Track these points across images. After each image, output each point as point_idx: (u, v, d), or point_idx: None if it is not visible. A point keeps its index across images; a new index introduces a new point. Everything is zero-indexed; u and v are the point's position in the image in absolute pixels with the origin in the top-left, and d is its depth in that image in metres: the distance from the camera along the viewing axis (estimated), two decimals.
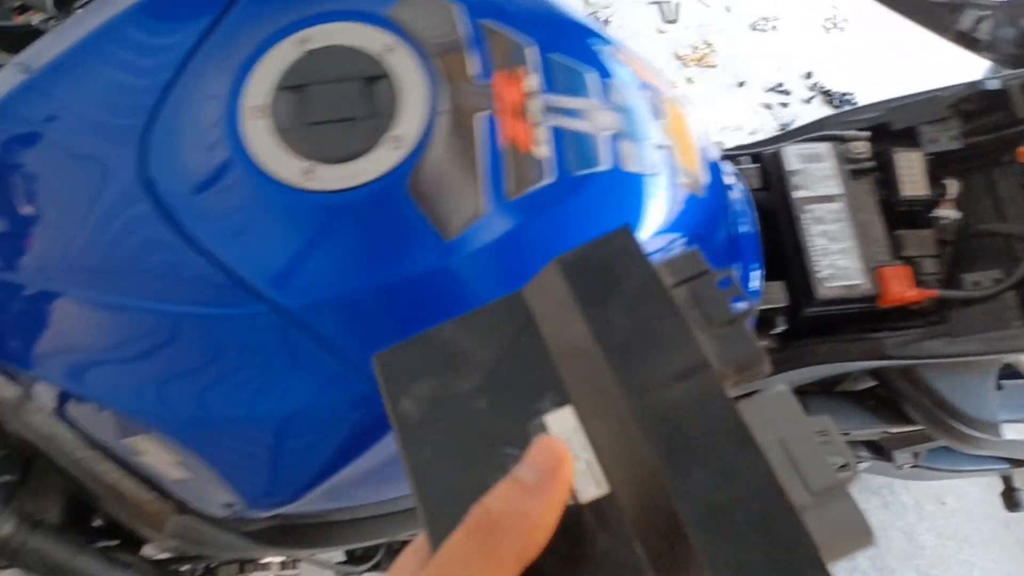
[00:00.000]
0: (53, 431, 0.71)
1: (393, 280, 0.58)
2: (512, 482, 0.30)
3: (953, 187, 0.91)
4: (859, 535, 0.29)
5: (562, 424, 0.33)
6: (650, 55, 2.38)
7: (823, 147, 0.92)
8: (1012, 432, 1.11)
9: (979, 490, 1.73)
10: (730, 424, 0.29)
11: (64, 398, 0.68)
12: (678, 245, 0.70)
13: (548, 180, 0.62)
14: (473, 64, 0.63)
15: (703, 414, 0.29)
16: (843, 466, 0.29)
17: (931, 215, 0.91)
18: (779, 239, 0.91)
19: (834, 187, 0.90)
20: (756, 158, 0.96)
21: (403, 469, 0.33)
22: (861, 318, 0.90)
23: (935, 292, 0.86)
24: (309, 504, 0.70)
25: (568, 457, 0.30)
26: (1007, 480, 1.42)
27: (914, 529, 1.68)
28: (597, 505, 0.30)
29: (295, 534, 0.79)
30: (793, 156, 0.91)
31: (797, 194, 0.90)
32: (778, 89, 2.28)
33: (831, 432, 0.30)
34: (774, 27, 2.39)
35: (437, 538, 0.30)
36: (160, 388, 0.61)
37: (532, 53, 0.66)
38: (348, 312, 0.58)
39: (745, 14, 2.42)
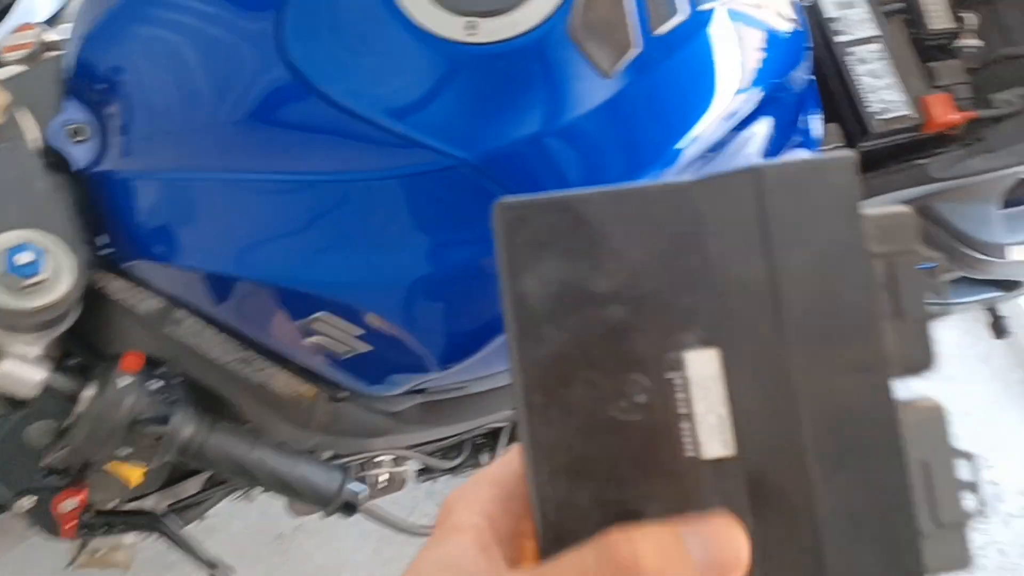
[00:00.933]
0: (199, 338, 0.72)
1: (566, 122, 0.61)
2: (675, 538, 0.26)
3: (972, 19, 0.99)
4: (961, 564, 0.29)
5: (704, 367, 0.29)
6: None
7: None
8: (1016, 253, 1.23)
9: (958, 331, 1.88)
10: (889, 434, 0.28)
11: (221, 296, 0.68)
12: (760, 93, 0.74)
13: (683, 15, 0.65)
14: None
15: (866, 415, 0.28)
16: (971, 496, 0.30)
17: (954, 46, 0.99)
18: (826, 85, 0.97)
19: (871, 29, 0.97)
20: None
21: (509, 360, 0.29)
22: (905, 149, 0.98)
23: (975, 113, 0.94)
24: (461, 372, 0.73)
25: (745, 562, 0.27)
26: (992, 310, 1.56)
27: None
28: (718, 465, 0.28)
29: (437, 410, 0.82)
30: (830, 4, 0.97)
31: (839, 39, 0.96)
32: None
33: (974, 463, 0.30)
34: None
35: (538, 464, 0.28)
36: (348, 258, 0.63)
37: None
38: (530, 158, 0.61)
39: None
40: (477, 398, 0.82)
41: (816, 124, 0.91)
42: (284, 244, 0.64)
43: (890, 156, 0.99)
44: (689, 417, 0.28)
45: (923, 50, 0.99)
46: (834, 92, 0.96)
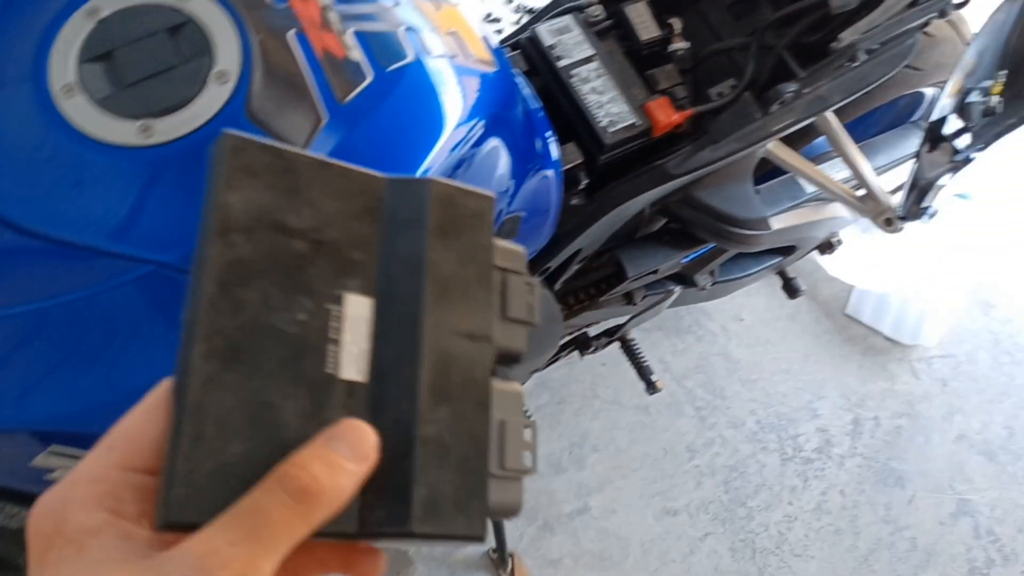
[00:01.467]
0: None
1: None
2: (330, 450, 0.32)
3: (677, 24, 1.07)
4: (515, 508, 0.37)
5: (358, 308, 0.36)
6: None
7: (567, 19, 1.04)
8: (777, 222, 1.33)
9: (764, 299, 2.00)
10: (482, 391, 0.36)
11: None
12: (482, 124, 0.77)
13: (369, 79, 0.67)
14: None
15: (469, 373, 0.36)
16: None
17: (668, 51, 1.06)
18: (559, 109, 1.02)
19: (587, 49, 1.02)
20: (515, 47, 1.06)
21: (197, 254, 0.34)
22: (644, 153, 1.04)
23: (691, 111, 1.02)
24: None
25: (375, 455, 0.33)
26: (782, 274, 1.67)
27: (726, 348, 1.93)
28: (350, 385, 0.35)
29: None
30: (546, 33, 1.02)
31: (561, 63, 1.01)
32: (488, 19, 2.42)
33: (534, 431, 0.38)
34: None
35: (199, 343, 0.32)
36: (63, 385, 0.60)
37: None
38: None
39: None
40: None
41: (553, 145, 0.95)
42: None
43: (634, 161, 1.04)
44: (337, 343, 0.35)
45: (641, 60, 1.05)
46: (568, 113, 1.01)
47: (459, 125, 0.72)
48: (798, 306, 2.00)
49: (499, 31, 2.39)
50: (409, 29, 0.72)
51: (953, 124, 0.94)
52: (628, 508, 1.68)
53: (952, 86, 1.00)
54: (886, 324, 1.96)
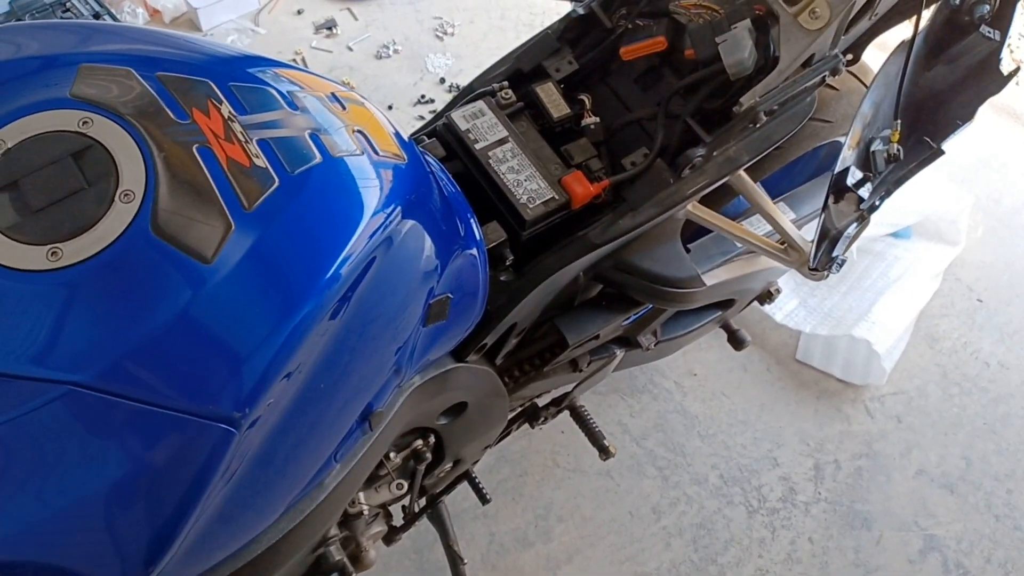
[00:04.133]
0: None
1: (172, 316, 0.62)
2: None
3: (587, 100, 1.12)
4: None
5: None
6: None
7: (480, 104, 1.08)
8: (711, 278, 1.36)
9: (715, 352, 2.03)
10: None
11: None
12: (399, 211, 0.80)
13: (276, 184, 0.69)
14: (167, 110, 0.69)
15: None
16: None
17: (581, 126, 1.10)
18: (479, 190, 1.05)
19: (501, 131, 1.06)
20: (432, 134, 1.10)
21: None
22: (567, 225, 1.07)
23: (606, 181, 1.05)
24: (182, 570, 0.71)
25: None
26: (726, 327, 1.70)
27: (682, 404, 1.94)
28: None
29: None
30: (460, 119, 1.06)
31: (478, 146, 1.04)
32: (422, 100, 2.48)
33: None
34: (396, 51, 2.60)
35: None
36: None
37: (213, 88, 0.73)
38: (144, 362, 0.61)
39: (364, 48, 2.61)
40: None
41: (474, 226, 0.98)
42: None
43: (558, 234, 1.07)
44: None
45: (555, 137, 1.10)
46: (488, 194, 1.04)
47: (375, 214, 0.74)
48: (748, 356, 2.03)
49: (433, 110, 2.45)
50: (314, 132, 0.75)
51: (855, 174, 0.98)
52: None
53: (852, 138, 1.05)
54: (836, 366, 2.00)
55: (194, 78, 0.73)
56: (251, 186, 0.68)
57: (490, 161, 1.04)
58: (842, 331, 1.95)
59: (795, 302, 2.04)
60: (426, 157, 0.98)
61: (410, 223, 0.82)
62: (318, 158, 0.73)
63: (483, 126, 1.06)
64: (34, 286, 0.61)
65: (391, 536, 1.38)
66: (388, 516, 1.36)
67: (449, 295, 0.94)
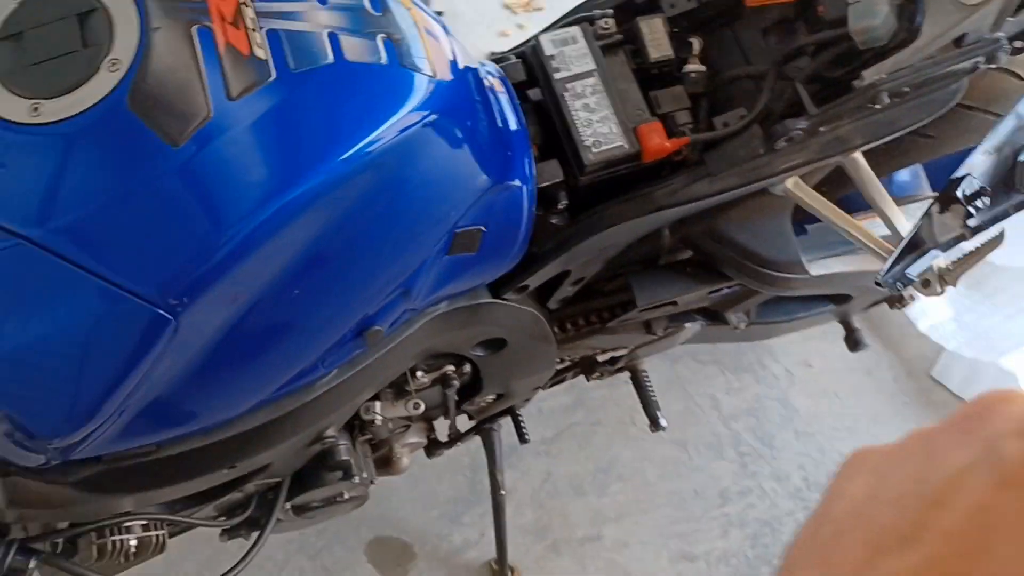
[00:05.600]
0: None
1: (128, 191, 0.62)
2: None
3: (696, 44, 1.00)
4: None
5: None
6: (480, 4, 2.45)
7: (574, 30, 0.99)
8: (818, 268, 1.22)
9: (841, 347, 1.85)
10: None
11: None
12: (423, 122, 0.75)
13: (271, 79, 0.67)
14: None
15: None
16: None
17: (681, 72, 0.99)
18: (551, 123, 0.97)
19: (588, 63, 0.97)
20: (519, 55, 1.03)
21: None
22: (635, 179, 0.98)
23: (687, 138, 0.95)
24: (121, 439, 0.74)
25: None
26: (846, 324, 1.54)
27: (787, 395, 1.80)
28: None
29: (125, 477, 0.82)
30: (548, 43, 0.98)
31: (557, 76, 0.97)
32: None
33: None
34: None
35: None
36: None
37: None
38: (93, 230, 0.62)
39: None
40: (170, 462, 0.82)
41: (527, 161, 0.92)
42: None
43: (626, 186, 0.99)
44: None
45: (650, 79, 0.99)
46: (557, 129, 0.97)
47: (374, 129, 0.71)
48: (877, 360, 1.84)
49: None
50: (335, 32, 0.71)
51: (972, 184, 0.82)
52: (643, 545, 1.61)
53: (993, 139, 0.88)
54: (974, 394, 1.76)
55: None
56: (243, 76, 0.66)
57: (565, 94, 0.96)
58: (991, 357, 1.71)
59: (948, 314, 1.81)
60: (488, 84, 0.92)
61: (432, 144, 0.78)
62: (329, 59, 0.70)
63: (570, 55, 0.98)
64: (11, 136, 0.62)
65: (432, 449, 1.39)
66: (430, 429, 1.36)
67: (482, 228, 0.89)
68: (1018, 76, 1.19)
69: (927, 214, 0.85)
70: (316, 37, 0.70)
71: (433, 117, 0.76)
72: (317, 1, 0.72)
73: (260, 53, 0.67)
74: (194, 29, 0.66)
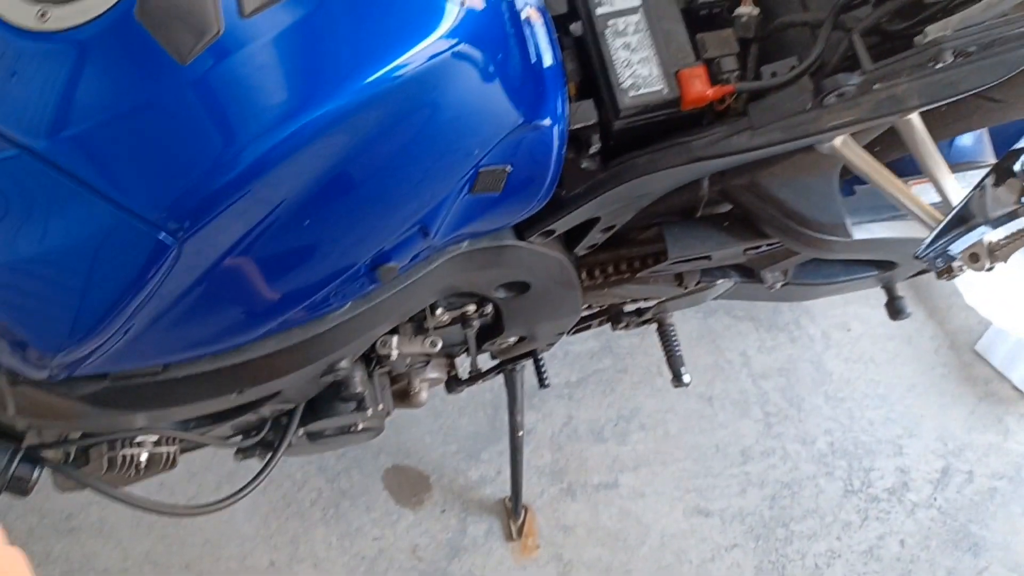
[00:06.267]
0: None
1: (133, 107, 0.60)
2: None
3: None
4: None
5: None
6: None
7: None
8: (862, 232, 1.16)
9: (882, 313, 1.79)
10: None
11: None
12: (451, 51, 0.71)
13: None
14: None
15: None
16: None
17: (732, 15, 0.93)
18: (591, 60, 0.93)
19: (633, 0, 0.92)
20: None
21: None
22: (675, 126, 0.93)
23: (731, 87, 0.89)
24: (125, 358, 0.74)
25: None
26: (888, 290, 1.48)
27: (822, 358, 1.75)
28: None
29: (132, 395, 0.82)
30: None
31: (599, 11, 0.91)
32: None
33: None
34: None
35: None
36: None
37: None
38: (95, 145, 0.61)
39: None
40: (178, 384, 0.82)
41: (559, 100, 0.87)
42: None
43: (665, 132, 0.94)
44: None
45: (699, 20, 0.93)
46: (594, 67, 0.92)
47: (397, 55, 0.67)
48: (920, 329, 1.78)
49: None
50: None
51: None
52: (658, 496, 1.60)
53: None
54: (1018, 372, 1.70)
55: None
56: None
57: (606, 30, 0.91)
58: None
59: (998, 288, 1.73)
60: (525, 15, 0.87)
61: (459, 76, 0.74)
62: None
63: None
64: (18, 42, 0.61)
65: (452, 385, 1.39)
66: (451, 366, 1.36)
67: (507, 167, 0.86)
68: None
69: (980, 186, 0.79)
70: None
71: (462, 46, 0.72)
72: None
73: None
74: None
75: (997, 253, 0.90)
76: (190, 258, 0.65)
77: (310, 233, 0.73)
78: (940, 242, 0.81)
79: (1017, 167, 0.76)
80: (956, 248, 0.80)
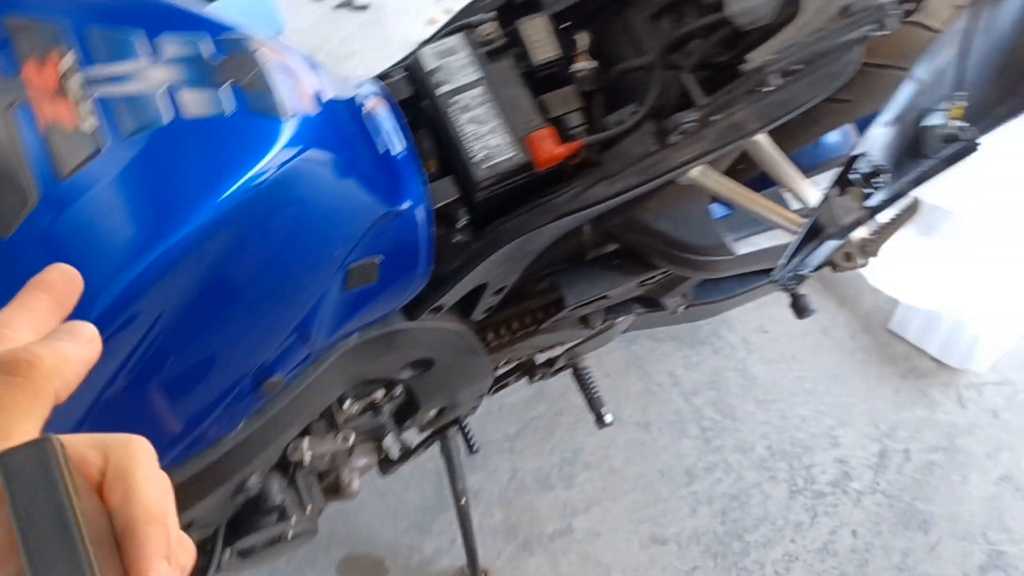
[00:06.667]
0: None
1: None
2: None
3: (584, 39, 0.96)
4: None
5: None
6: None
7: (455, 39, 0.95)
8: (745, 246, 1.20)
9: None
10: None
11: None
12: (287, 164, 0.72)
13: (103, 150, 0.63)
14: None
15: None
16: None
17: (571, 72, 0.96)
18: (442, 139, 0.94)
19: (472, 74, 0.94)
20: (407, 68, 0.99)
21: None
22: (537, 186, 0.95)
23: (580, 141, 0.91)
24: None
25: None
26: (791, 293, 1.51)
27: (746, 364, 1.78)
28: None
29: None
30: (429, 56, 0.94)
31: (440, 90, 0.93)
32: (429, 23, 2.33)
33: None
34: None
35: None
36: None
37: (62, 33, 0.67)
38: None
39: None
40: None
41: (417, 183, 0.88)
42: None
43: (527, 195, 0.95)
44: None
45: (540, 82, 0.96)
46: (446, 145, 0.93)
47: (230, 181, 0.67)
48: (833, 319, 1.82)
49: None
50: (173, 87, 0.68)
51: (867, 163, 0.79)
52: (614, 532, 1.60)
53: (890, 110, 0.85)
54: (934, 344, 1.75)
55: (45, 21, 0.67)
56: (70, 152, 0.63)
57: (449, 109, 0.92)
58: (946, 305, 1.69)
59: (899, 264, 1.79)
60: (367, 108, 0.89)
61: (301, 184, 0.75)
62: (165, 119, 0.66)
63: (453, 66, 0.94)
64: None
65: (385, 467, 1.37)
66: (379, 450, 1.34)
67: (378, 258, 0.86)
68: (928, 28, 1.16)
69: (826, 198, 0.82)
70: (150, 98, 0.66)
71: (309, 152, 0.73)
72: (149, 58, 0.69)
73: (87, 125, 0.64)
74: (12, 110, 0.62)
75: (868, 248, 0.94)
76: (63, 406, 0.64)
77: (184, 360, 0.73)
78: (797, 257, 0.83)
79: (855, 175, 0.79)
80: (811, 262, 0.83)
